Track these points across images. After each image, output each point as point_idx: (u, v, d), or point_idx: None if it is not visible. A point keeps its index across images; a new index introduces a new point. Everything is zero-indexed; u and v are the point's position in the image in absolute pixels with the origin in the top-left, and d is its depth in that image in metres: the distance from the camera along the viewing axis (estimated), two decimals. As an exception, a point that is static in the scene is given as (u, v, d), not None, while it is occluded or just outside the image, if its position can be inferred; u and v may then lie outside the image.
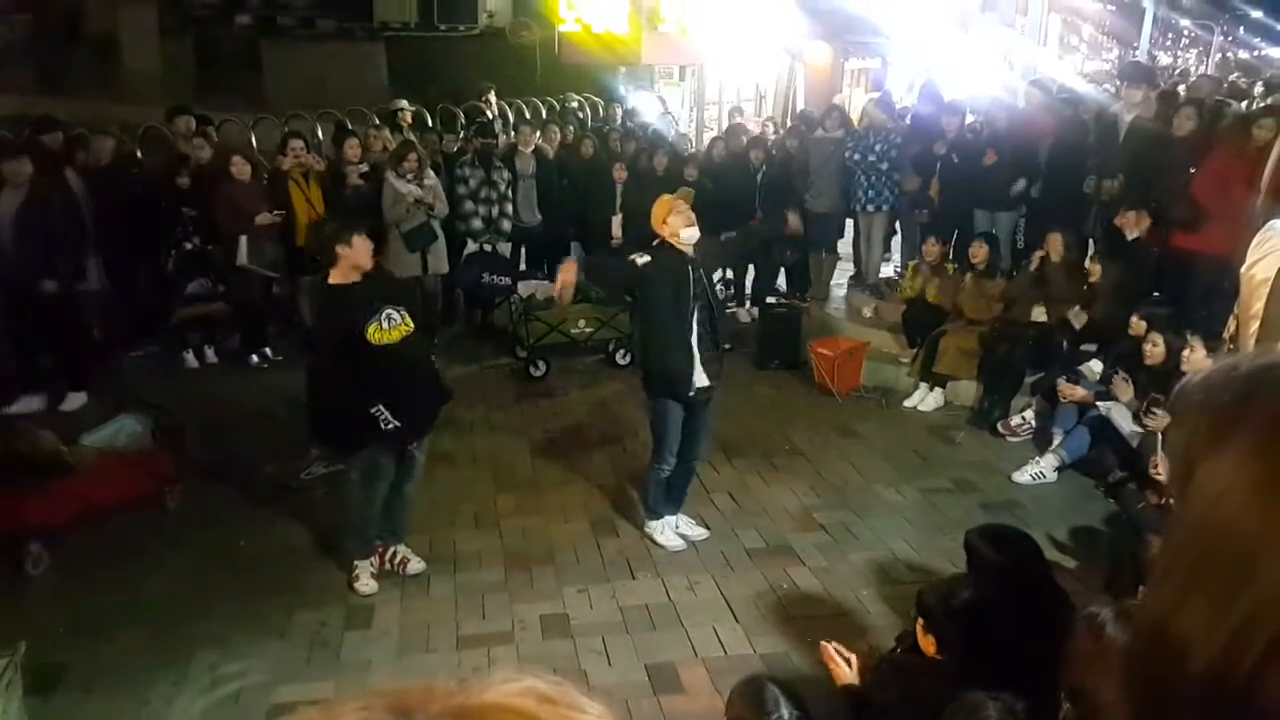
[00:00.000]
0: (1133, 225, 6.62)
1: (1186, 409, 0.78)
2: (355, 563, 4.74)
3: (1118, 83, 8.92)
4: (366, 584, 4.69)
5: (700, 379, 4.80)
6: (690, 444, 5.02)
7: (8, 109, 13.01)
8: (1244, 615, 0.68)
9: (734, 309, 8.91)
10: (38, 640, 3.72)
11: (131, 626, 4.36)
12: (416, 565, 4.86)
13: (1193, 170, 6.38)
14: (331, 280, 4.41)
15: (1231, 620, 0.69)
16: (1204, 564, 0.72)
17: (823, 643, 3.05)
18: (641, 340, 5.28)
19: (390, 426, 4.38)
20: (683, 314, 4.70)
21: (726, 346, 5.28)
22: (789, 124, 10.08)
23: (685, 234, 4.67)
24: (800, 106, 14.58)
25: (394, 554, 4.85)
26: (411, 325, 4.49)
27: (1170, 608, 0.74)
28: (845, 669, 2.91)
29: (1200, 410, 0.76)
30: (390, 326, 4.39)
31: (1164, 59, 33.41)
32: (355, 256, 4.35)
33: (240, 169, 7.44)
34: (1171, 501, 0.81)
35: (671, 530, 5.14)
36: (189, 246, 7.52)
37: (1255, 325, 2.46)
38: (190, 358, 7.72)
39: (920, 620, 2.85)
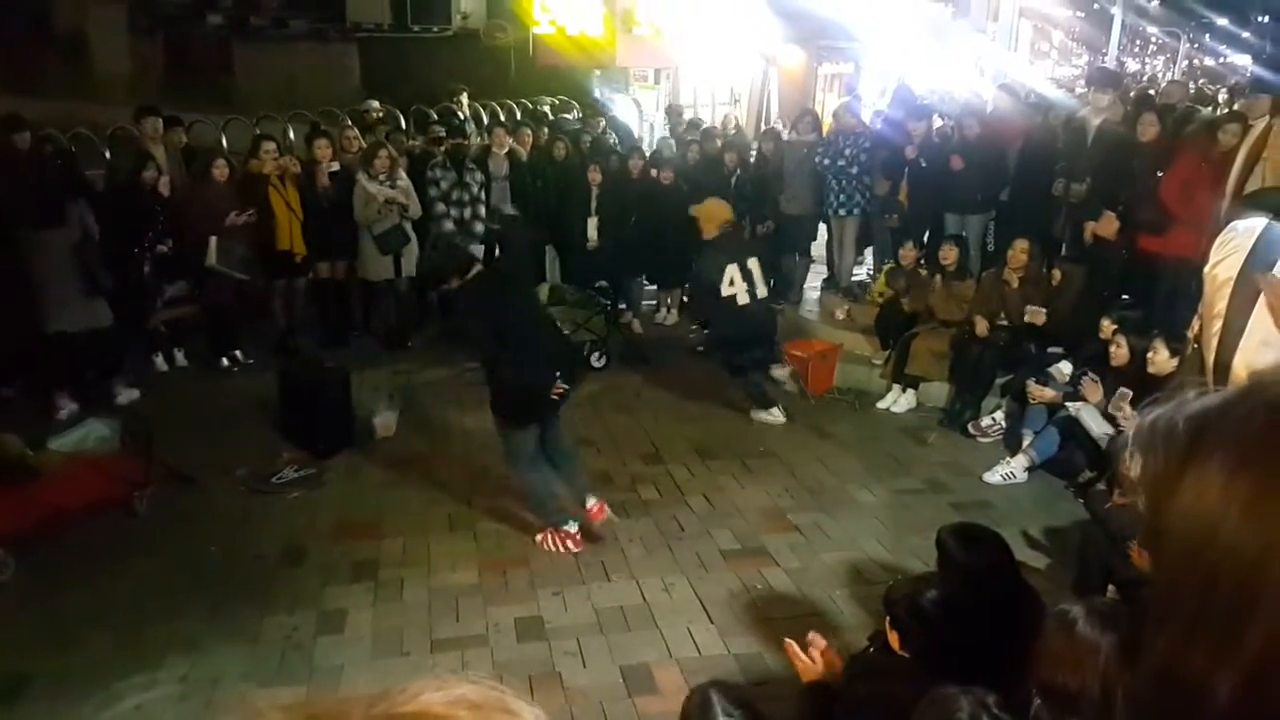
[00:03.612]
0: (1104, 230, 6.71)
1: (1145, 448, 0.75)
2: (561, 528, 5.08)
3: (1086, 87, 9.04)
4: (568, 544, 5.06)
5: None
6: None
7: (-27, 109, 12.82)
8: (1256, 652, 0.64)
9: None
10: (2, 648, 3.67)
11: (100, 633, 4.30)
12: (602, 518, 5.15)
13: (1160, 174, 6.47)
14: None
15: (1244, 659, 0.64)
16: (1204, 603, 0.68)
17: (786, 640, 3.06)
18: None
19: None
20: None
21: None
22: (762, 129, 10.12)
23: None
24: (775, 111, 14.67)
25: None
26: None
27: (1176, 654, 0.69)
28: (810, 665, 2.92)
29: (1159, 445, 0.73)
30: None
31: (1132, 65, 33.94)
32: None
33: (220, 170, 7.39)
34: (1146, 548, 0.76)
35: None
36: (164, 249, 7.42)
37: (1218, 325, 2.50)
38: (160, 360, 7.63)
39: (888, 618, 2.88)
